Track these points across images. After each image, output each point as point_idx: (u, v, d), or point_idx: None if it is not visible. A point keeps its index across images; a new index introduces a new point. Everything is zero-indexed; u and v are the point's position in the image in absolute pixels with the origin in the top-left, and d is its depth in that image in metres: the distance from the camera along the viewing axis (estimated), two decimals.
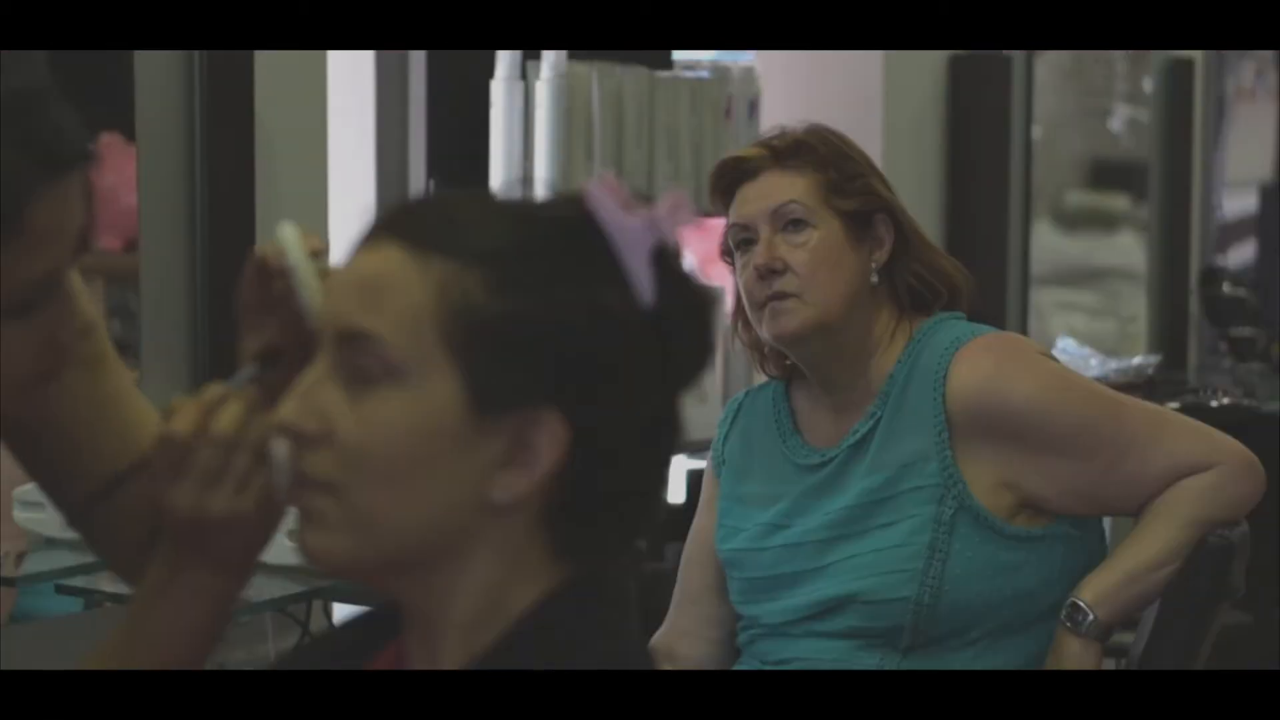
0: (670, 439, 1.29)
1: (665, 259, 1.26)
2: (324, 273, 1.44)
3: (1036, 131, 5.31)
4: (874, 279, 2.43)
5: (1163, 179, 5.94)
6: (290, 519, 1.30)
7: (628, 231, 1.25)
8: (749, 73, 4.31)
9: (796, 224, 2.41)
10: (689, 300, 1.28)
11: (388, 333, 1.24)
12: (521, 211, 1.28)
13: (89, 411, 1.64)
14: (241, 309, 1.46)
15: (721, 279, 2.61)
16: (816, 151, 2.43)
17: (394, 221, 1.27)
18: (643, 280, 1.25)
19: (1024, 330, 5.12)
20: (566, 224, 1.26)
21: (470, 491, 1.24)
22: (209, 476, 1.36)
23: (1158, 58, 5.91)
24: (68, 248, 1.44)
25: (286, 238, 1.37)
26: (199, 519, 1.35)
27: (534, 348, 1.23)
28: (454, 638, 1.27)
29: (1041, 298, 5.41)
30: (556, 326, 1.23)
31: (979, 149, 5.03)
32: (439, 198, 1.31)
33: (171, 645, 1.40)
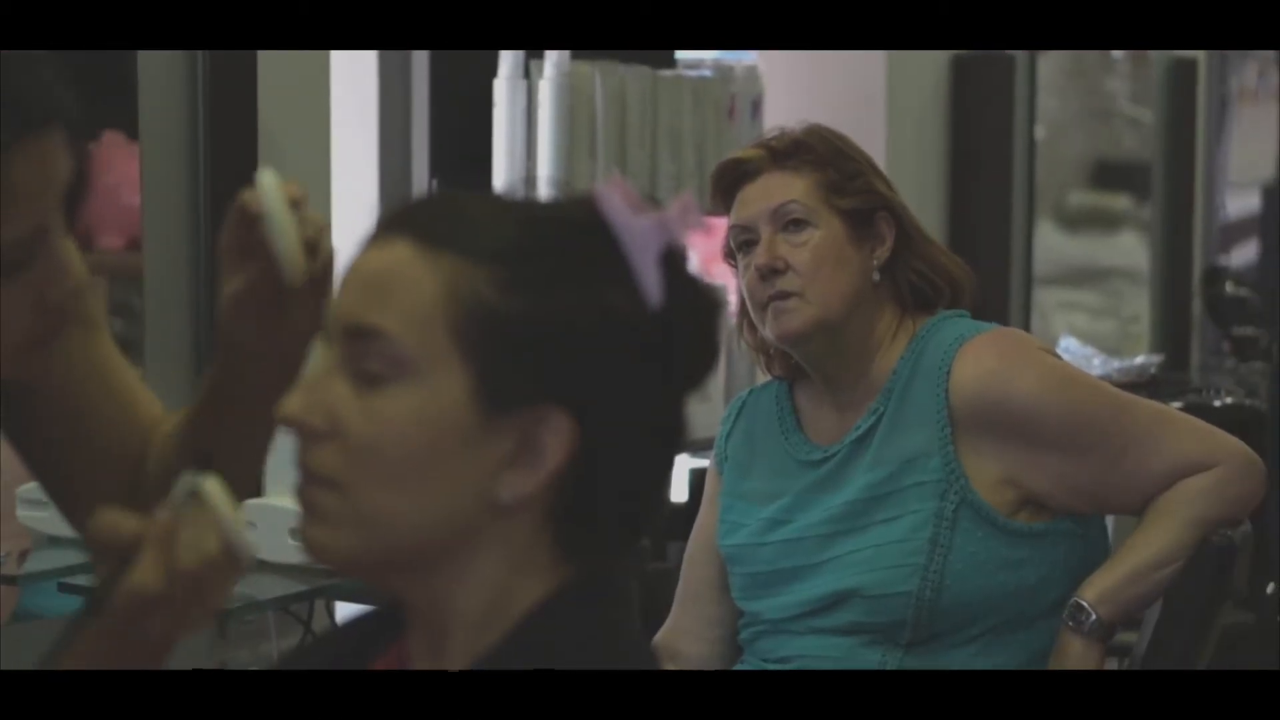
0: (675, 440, 1.29)
1: (673, 261, 1.27)
2: (303, 221, 1.45)
3: (1039, 131, 5.31)
4: (876, 277, 2.43)
5: (1165, 179, 5.94)
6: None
7: (637, 233, 1.25)
8: (752, 71, 4.31)
9: (797, 224, 2.41)
10: (696, 302, 1.28)
11: (396, 329, 1.24)
12: (531, 211, 1.29)
13: (85, 371, 1.63)
14: (222, 252, 1.47)
15: (724, 278, 2.61)
16: (815, 151, 2.43)
17: (404, 218, 1.27)
18: (651, 282, 1.25)
19: (1026, 330, 5.11)
20: (576, 224, 1.27)
21: (476, 490, 1.24)
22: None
23: (1160, 58, 5.91)
24: (53, 205, 1.43)
25: (265, 184, 1.38)
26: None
27: (542, 347, 1.23)
28: (457, 637, 1.27)
29: (1044, 297, 5.41)
30: (564, 326, 1.23)
31: (982, 148, 5.04)
32: (449, 196, 1.30)
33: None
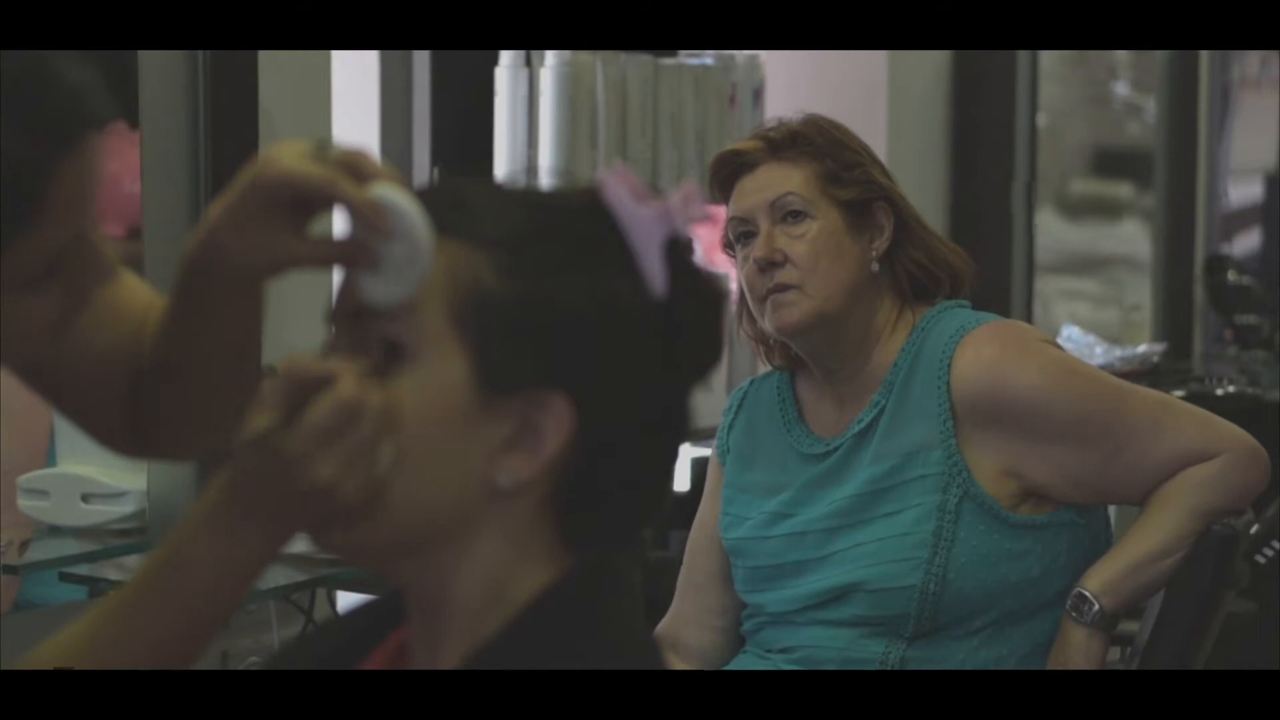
0: (677, 431, 1.29)
1: (677, 251, 1.27)
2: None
3: (1041, 119, 5.30)
4: (874, 268, 2.43)
5: (1168, 167, 5.93)
6: None
7: (641, 222, 1.25)
8: (753, 60, 4.30)
9: (795, 215, 2.41)
10: (700, 293, 1.28)
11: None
12: (533, 198, 1.29)
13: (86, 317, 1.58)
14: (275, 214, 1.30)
15: (724, 267, 2.60)
16: (813, 142, 2.43)
17: None
18: (654, 271, 1.25)
19: (1028, 319, 5.11)
20: (578, 212, 1.27)
21: (475, 473, 1.24)
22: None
23: None
24: (94, 205, 1.42)
25: (410, 210, 1.25)
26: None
27: (542, 332, 1.23)
28: (457, 625, 1.27)
29: (1046, 286, 5.41)
30: (565, 312, 1.24)
31: (983, 136, 5.03)
32: (451, 183, 1.31)
33: (207, 586, 1.32)
